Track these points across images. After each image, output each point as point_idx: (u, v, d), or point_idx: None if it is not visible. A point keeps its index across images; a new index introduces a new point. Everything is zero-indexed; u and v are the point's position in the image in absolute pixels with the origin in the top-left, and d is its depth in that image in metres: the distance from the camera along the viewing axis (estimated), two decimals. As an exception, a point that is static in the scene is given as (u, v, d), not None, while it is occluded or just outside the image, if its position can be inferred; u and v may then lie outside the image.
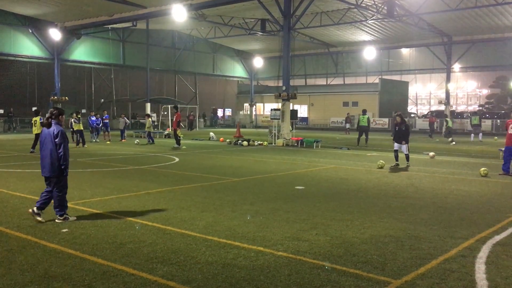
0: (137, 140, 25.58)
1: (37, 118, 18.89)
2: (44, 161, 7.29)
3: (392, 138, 16.59)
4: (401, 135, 15.62)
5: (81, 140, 22.36)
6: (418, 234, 6.87)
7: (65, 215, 7.39)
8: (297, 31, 39.35)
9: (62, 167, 7.26)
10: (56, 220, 7.34)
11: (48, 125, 7.29)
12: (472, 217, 8.07)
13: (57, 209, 7.37)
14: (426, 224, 7.50)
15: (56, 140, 7.17)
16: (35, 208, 7.30)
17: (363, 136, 24.57)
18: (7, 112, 38.19)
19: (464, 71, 46.30)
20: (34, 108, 41.38)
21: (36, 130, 18.74)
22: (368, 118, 24.44)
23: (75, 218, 7.50)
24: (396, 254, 5.90)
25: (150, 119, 26.78)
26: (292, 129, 26.49)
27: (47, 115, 7.44)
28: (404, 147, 15.56)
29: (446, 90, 42.34)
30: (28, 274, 5.06)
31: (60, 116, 7.41)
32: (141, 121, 42.47)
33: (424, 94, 54.43)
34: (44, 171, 7.34)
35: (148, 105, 36.36)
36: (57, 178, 7.31)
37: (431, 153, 18.78)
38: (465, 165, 16.26)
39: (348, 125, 38.96)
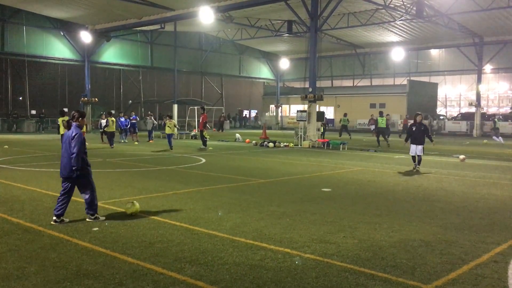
0: None
1: (65, 118, 19.41)
2: (62, 162, 7.39)
3: (405, 140, 15.25)
4: (420, 136, 14.44)
5: (103, 140, 22.97)
6: (449, 239, 6.75)
7: (96, 215, 7.55)
8: (324, 32, 39.12)
9: (73, 168, 7.20)
10: (87, 219, 7.51)
11: (69, 127, 7.44)
12: (505, 222, 7.88)
13: (88, 209, 7.53)
14: (456, 229, 7.36)
15: (72, 140, 7.25)
16: (55, 217, 7.31)
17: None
18: (39, 113, 39.21)
19: (495, 72, 45.14)
20: (65, 109, 42.44)
21: (62, 130, 19.30)
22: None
23: (104, 218, 7.61)
24: (426, 259, 5.81)
25: (151, 119, 27.75)
26: (323, 131, 26.74)
27: (70, 117, 7.59)
28: (420, 149, 14.48)
29: (477, 91, 41.38)
30: (61, 271, 5.19)
31: (81, 119, 7.55)
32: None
33: (454, 95, 53.36)
34: (62, 172, 7.41)
35: (175, 106, 36.74)
36: (76, 179, 7.35)
37: (462, 156, 18.40)
38: (496, 168, 15.88)
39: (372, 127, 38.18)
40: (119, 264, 5.44)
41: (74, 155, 7.18)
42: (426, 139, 14.72)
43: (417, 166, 14.69)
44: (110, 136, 22.96)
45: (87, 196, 7.49)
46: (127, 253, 5.86)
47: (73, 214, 7.96)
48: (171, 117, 24.03)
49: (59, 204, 7.33)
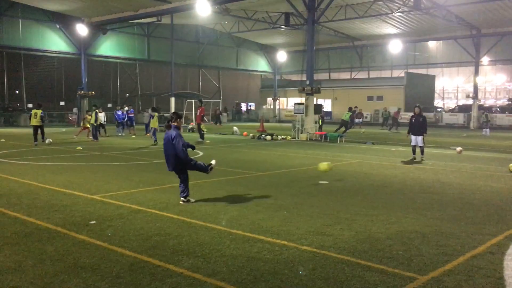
0: (49, 139, 20.53)
1: (38, 112, 19.41)
2: (168, 159, 8.43)
3: (408, 132, 15.71)
4: (420, 127, 15.18)
5: (100, 133, 22.53)
6: (445, 230, 6.78)
7: (188, 198, 8.45)
8: (321, 24, 38.98)
9: (187, 161, 8.37)
10: (180, 202, 8.34)
11: (169, 128, 8.39)
12: (501, 214, 7.91)
13: (182, 193, 8.46)
14: (453, 220, 7.39)
15: (173, 141, 8.20)
16: (182, 198, 8.43)
17: None
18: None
19: (493, 64, 45.15)
20: (62, 102, 42.29)
21: (34, 122, 19.38)
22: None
23: (194, 200, 8.52)
24: (422, 250, 5.84)
25: (147, 113, 24.96)
26: (321, 124, 27.13)
27: (168, 119, 8.52)
28: (420, 139, 15.23)
29: (474, 84, 41.39)
30: (58, 264, 5.20)
31: (179, 120, 8.51)
32: (166, 115, 42.93)
33: (451, 88, 53.40)
34: (169, 167, 8.52)
35: (173, 100, 36.64)
36: (179, 172, 8.43)
37: (458, 148, 18.44)
38: (493, 160, 15.92)
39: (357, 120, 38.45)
40: (116, 257, 5.45)
41: (179, 152, 8.20)
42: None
43: (422, 156, 15.46)
44: (94, 130, 22.36)
45: (181, 183, 8.46)
46: (124, 246, 5.87)
47: (71, 207, 7.97)
48: (154, 109, 22.61)
49: (181, 189, 8.46)
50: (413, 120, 15.43)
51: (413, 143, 15.53)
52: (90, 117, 23.26)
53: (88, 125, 23.48)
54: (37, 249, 5.71)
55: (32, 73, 40.96)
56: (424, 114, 15.96)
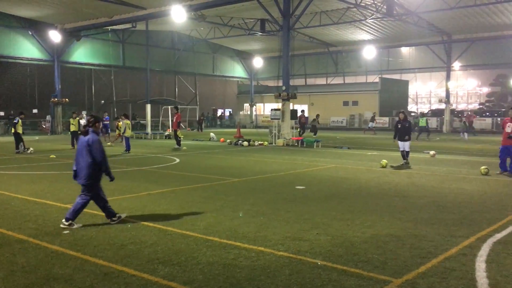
0: (19, 150, 19.58)
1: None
2: (80, 169, 7.23)
3: (394, 137, 16.08)
4: (406, 132, 15.51)
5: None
6: (419, 233, 6.89)
7: (70, 221, 7.16)
8: (296, 31, 39.31)
9: (105, 173, 7.31)
10: (61, 225, 7.14)
11: (85, 133, 7.28)
12: (473, 216, 8.08)
13: (69, 213, 7.20)
14: (426, 223, 7.51)
15: (90, 148, 7.12)
16: (109, 220, 7.39)
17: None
18: (8, 115, 38.22)
19: (464, 69, 46.28)
20: (34, 110, 41.49)
21: (19, 129, 19.54)
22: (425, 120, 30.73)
23: (81, 225, 7.23)
24: (397, 253, 5.91)
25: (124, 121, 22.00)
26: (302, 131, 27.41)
27: (84, 123, 7.45)
28: (407, 144, 15.50)
29: (446, 88, 42.33)
30: (30, 276, 5.07)
31: (97, 124, 7.42)
32: (141, 122, 42.61)
33: (424, 92, 54.48)
34: (79, 180, 7.25)
35: (148, 106, 36.37)
36: (90, 186, 7.23)
37: (432, 152, 18.79)
38: (465, 163, 16.27)
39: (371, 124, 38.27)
40: (90, 267, 5.36)
41: (99, 160, 7.13)
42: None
43: (407, 160, 15.68)
44: (72, 137, 22.04)
45: (80, 200, 7.25)
46: (98, 255, 5.78)
47: (43, 217, 7.81)
48: (127, 116, 21.74)
49: (101, 209, 7.41)
50: (399, 126, 15.64)
51: (401, 148, 15.71)
52: (120, 124, 22.39)
53: (120, 133, 22.38)
54: (8, 261, 5.57)
55: (3, 81, 40.11)
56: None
